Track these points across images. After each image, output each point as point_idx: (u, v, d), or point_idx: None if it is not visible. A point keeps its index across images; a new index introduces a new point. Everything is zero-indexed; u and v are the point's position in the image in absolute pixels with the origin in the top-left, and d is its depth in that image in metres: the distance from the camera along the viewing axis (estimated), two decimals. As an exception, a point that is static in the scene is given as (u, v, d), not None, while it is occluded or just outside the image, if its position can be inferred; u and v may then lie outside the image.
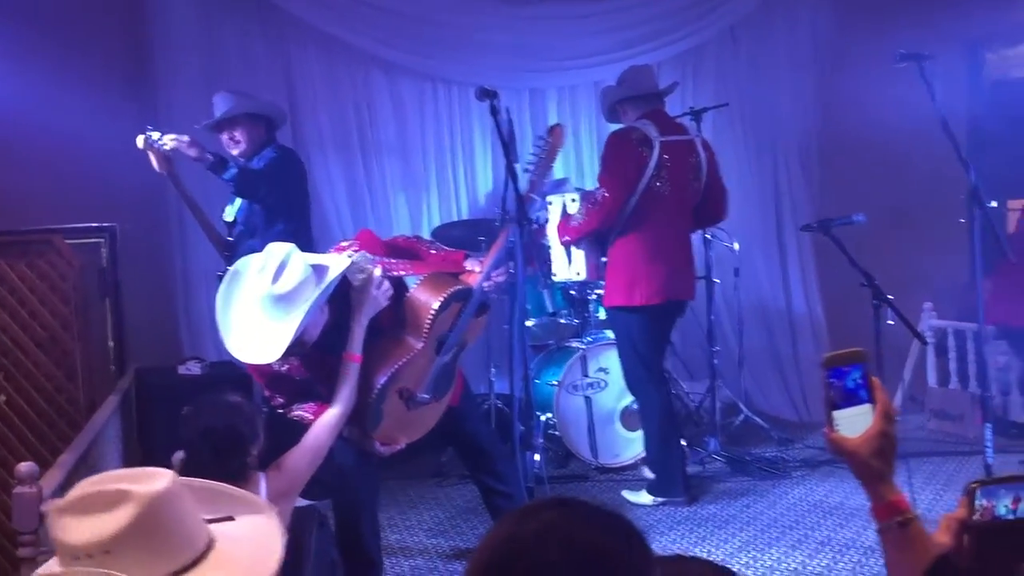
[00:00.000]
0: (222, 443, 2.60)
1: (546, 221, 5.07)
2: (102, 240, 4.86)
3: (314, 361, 3.23)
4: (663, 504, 4.71)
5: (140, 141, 4.24)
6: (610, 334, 5.37)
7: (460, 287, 3.50)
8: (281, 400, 3.26)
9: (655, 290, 4.60)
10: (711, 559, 1.70)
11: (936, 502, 4.61)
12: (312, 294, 2.98)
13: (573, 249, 4.84)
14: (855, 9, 6.38)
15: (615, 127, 4.85)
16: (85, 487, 1.44)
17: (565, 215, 4.79)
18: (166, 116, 5.02)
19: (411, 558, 4.20)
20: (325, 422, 3.02)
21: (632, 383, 4.82)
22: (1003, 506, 1.40)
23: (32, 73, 4.97)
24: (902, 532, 1.44)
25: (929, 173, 5.46)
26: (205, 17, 5.52)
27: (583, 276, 4.84)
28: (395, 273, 3.42)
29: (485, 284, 3.63)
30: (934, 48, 3.65)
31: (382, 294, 3.24)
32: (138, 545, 1.38)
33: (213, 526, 1.55)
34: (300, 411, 3.22)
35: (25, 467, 2.65)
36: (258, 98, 4.80)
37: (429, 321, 3.39)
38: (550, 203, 4.86)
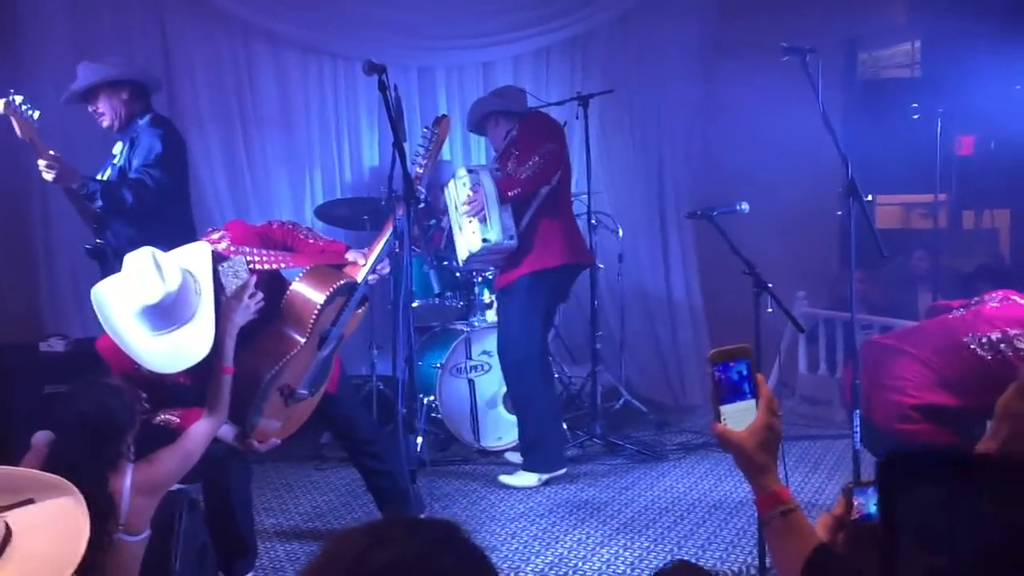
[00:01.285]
0: (97, 429, 2.48)
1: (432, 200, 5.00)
2: (-44, 210, 4.55)
3: (195, 368, 3.05)
4: (546, 484, 4.74)
5: (1, 105, 3.98)
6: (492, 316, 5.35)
7: (345, 281, 3.40)
8: (146, 405, 3.11)
9: (588, 250, 5.10)
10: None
11: (804, 484, 4.77)
12: (200, 289, 2.93)
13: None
14: (739, 4, 6.52)
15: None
16: None
17: (503, 179, 4.71)
18: (31, 86, 4.68)
19: (287, 543, 4.09)
20: (198, 431, 2.88)
21: (522, 357, 4.72)
22: (873, 505, 1.46)
23: None
24: (784, 522, 1.47)
25: (806, 166, 5.64)
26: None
27: (515, 242, 4.68)
28: (271, 266, 3.27)
29: (370, 277, 3.54)
30: (811, 45, 3.72)
31: (253, 303, 3.10)
32: None
33: (11, 514, 1.43)
34: (167, 415, 3.09)
35: None
36: (125, 64, 4.51)
37: (314, 317, 3.28)
38: (474, 172, 4.76)
